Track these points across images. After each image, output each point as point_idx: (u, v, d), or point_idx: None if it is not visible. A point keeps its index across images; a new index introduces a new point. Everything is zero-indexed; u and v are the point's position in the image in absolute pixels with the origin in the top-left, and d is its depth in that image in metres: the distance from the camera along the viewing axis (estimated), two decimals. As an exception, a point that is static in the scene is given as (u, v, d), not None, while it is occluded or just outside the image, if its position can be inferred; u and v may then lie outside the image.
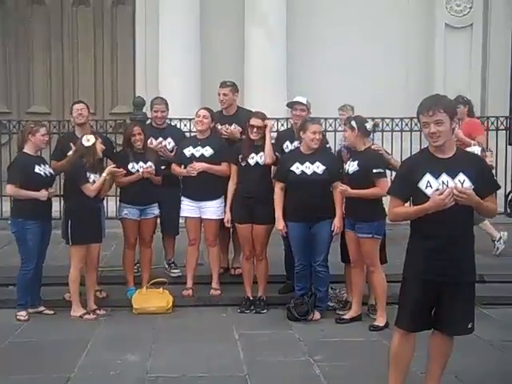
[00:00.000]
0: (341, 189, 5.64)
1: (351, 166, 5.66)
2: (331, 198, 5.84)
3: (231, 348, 5.25)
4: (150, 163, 6.30)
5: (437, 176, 3.71)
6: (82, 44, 10.50)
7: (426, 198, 3.71)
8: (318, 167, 5.80)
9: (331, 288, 6.23)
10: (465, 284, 3.82)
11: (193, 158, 6.29)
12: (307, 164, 5.82)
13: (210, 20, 9.82)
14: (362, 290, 5.92)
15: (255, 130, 6.01)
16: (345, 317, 5.87)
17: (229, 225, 6.26)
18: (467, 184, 3.67)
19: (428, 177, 3.72)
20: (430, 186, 3.72)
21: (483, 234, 8.81)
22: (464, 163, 3.73)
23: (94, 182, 5.94)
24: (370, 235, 5.62)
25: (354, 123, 5.67)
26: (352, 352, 5.18)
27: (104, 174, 5.97)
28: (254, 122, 6.03)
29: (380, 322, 5.70)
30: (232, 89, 6.67)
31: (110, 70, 10.55)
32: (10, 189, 5.90)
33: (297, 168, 5.83)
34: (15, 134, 8.92)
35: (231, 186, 6.21)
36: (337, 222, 5.79)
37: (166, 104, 6.81)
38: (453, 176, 3.70)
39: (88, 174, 5.92)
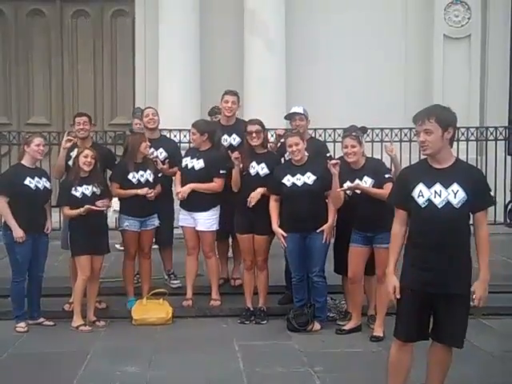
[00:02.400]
0: (350, 186, 5.54)
1: (365, 184, 5.58)
2: (325, 207, 5.83)
3: (231, 359, 5.24)
4: (149, 171, 6.32)
5: (430, 185, 3.74)
6: (82, 55, 10.52)
7: (419, 207, 3.75)
8: (309, 177, 5.79)
9: (331, 298, 6.22)
10: (457, 295, 3.77)
11: (185, 169, 6.35)
12: (298, 176, 5.81)
13: (209, 30, 9.84)
14: (362, 302, 5.91)
15: (254, 135, 6.02)
16: (345, 327, 5.85)
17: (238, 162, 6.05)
18: (461, 195, 3.69)
19: (420, 186, 3.76)
20: (422, 195, 3.75)
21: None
22: (460, 174, 3.74)
23: (83, 194, 5.94)
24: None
25: (361, 138, 5.64)
26: (352, 363, 5.17)
27: (81, 209, 5.91)
28: (251, 128, 6.06)
29: (379, 332, 5.68)
30: (238, 98, 6.71)
31: (109, 81, 10.57)
32: (1, 201, 5.85)
33: (288, 180, 5.83)
34: (15, 145, 8.95)
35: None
36: (326, 230, 5.77)
37: (156, 112, 6.83)
38: (446, 186, 3.72)
39: (74, 187, 5.94)
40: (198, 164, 6.29)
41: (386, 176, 5.59)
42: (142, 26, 10.26)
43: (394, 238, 3.93)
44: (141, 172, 6.32)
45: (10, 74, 10.52)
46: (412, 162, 9.18)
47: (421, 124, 3.70)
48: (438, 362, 3.98)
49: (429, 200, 3.73)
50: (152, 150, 6.56)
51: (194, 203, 6.26)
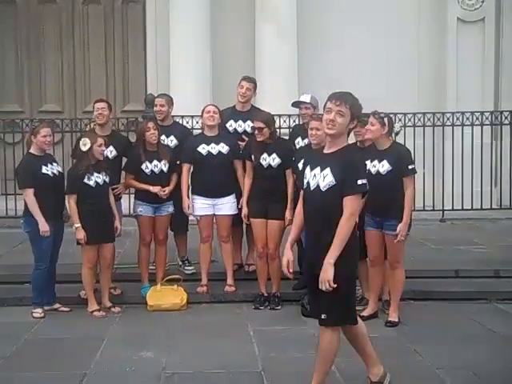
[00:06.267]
0: (400, 239, 5.51)
1: (382, 167, 5.56)
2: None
3: (246, 344, 5.25)
4: (163, 161, 6.28)
5: (312, 168, 3.95)
6: (93, 42, 10.53)
7: (302, 188, 4.01)
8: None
9: (345, 284, 6.21)
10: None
11: (210, 156, 6.31)
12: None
13: (220, 17, 9.81)
14: (380, 286, 5.91)
15: (256, 132, 6.06)
16: (363, 314, 5.80)
17: (246, 220, 6.26)
18: (329, 179, 3.83)
19: (307, 168, 4.01)
20: (305, 177, 3.99)
21: (498, 229, 8.79)
22: (335, 160, 3.87)
23: (96, 182, 5.91)
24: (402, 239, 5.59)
25: (386, 119, 5.60)
26: (367, 348, 5.16)
27: (77, 225, 5.86)
28: (255, 124, 6.09)
29: (394, 317, 5.70)
30: (255, 86, 6.74)
31: (121, 68, 10.58)
32: (29, 194, 5.84)
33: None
34: (28, 133, 8.98)
35: (247, 181, 6.22)
36: None
37: (169, 100, 6.72)
38: (322, 170, 3.89)
39: (87, 176, 5.89)
40: (223, 148, 6.31)
41: (410, 167, 5.56)
42: (152, 12, 10.24)
43: (295, 216, 4.17)
44: (155, 162, 6.28)
45: (22, 62, 10.54)
46: (425, 148, 9.26)
47: (339, 104, 3.82)
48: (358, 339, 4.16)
49: (308, 182, 3.96)
50: (163, 137, 6.50)
51: (218, 189, 6.28)
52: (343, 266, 3.83)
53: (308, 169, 3.98)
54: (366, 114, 5.72)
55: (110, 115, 6.54)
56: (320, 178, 3.87)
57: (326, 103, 3.90)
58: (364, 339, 4.19)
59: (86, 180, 5.90)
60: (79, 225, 5.86)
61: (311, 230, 3.95)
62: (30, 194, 5.85)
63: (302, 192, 4.11)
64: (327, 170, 3.85)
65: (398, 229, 5.47)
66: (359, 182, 3.81)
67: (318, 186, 3.87)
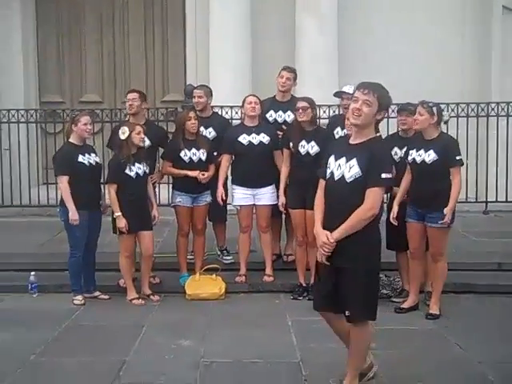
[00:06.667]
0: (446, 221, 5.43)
1: (428, 156, 5.47)
2: None
3: (284, 334, 5.24)
4: (202, 150, 6.30)
5: (337, 158, 3.86)
6: (133, 30, 10.55)
7: (326, 177, 3.91)
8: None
9: (385, 275, 6.14)
10: (346, 269, 3.78)
11: (251, 146, 6.31)
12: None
13: (260, 7, 9.74)
14: (421, 279, 5.83)
15: (300, 111, 6.00)
16: (403, 306, 5.77)
17: (282, 209, 6.24)
18: (355, 170, 3.75)
19: (331, 158, 3.91)
20: (329, 167, 3.89)
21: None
22: (362, 150, 3.76)
23: (137, 173, 5.95)
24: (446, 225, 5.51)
25: (435, 109, 5.51)
26: (407, 341, 5.10)
27: (118, 214, 5.91)
28: (299, 104, 6.04)
29: (435, 309, 5.63)
30: (295, 76, 6.71)
31: (160, 59, 10.59)
32: (63, 181, 5.90)
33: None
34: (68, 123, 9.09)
35: (284, 170, 6.20)
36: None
37: (208, 91, 6.72)
38: (348, 160, 3.80)
39: (128, 165, 5.92)
40: (265, 138, 6.33)
41: (458, 158, 5.48)
42: (192, 1, 10.22)
43: (317, 201, 4.00)
44: (193, 150, 6.30)
45: (62, 53, 10.63)
46: (469, 138, 9.09)
47: (366, 93, 3.73)
48: (348, 334, 4.04)
49: (332, 172, 3.86)
50: (202, 129, 6.50)
51: (258, 179, 6.29)
52: (365, 260, 3.79)
53: (332, 158, 3.89)
54: (413, 104, 5.69)
55: (141, 105, 6.54)
56: (345, 169, 3.79)
57: (354, 92, 3.84)
58: None
59: (127, 171, 5.95)
60: (120, 213, 5.90)
61: (332, 221, 3.82)
62: (64, 181, 5.91)
63: (321, 181, 4.01)
64: (353, 161, 3.77)
65: (445, 212, 5.38)
66: (383, 175, 3.73)
67: (342, 177, 3.80)
